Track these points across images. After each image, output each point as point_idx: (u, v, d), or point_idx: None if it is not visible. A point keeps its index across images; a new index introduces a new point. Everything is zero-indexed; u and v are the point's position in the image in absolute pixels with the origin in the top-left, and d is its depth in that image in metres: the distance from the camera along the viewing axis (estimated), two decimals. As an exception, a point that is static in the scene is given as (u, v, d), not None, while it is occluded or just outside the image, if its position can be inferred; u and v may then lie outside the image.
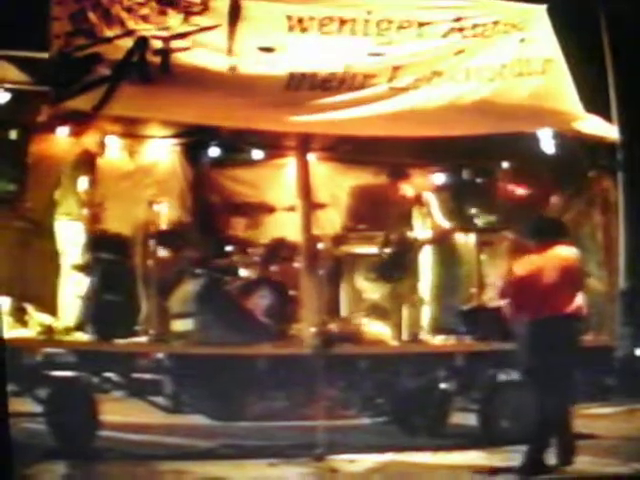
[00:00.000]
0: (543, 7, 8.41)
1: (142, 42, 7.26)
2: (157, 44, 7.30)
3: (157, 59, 7.30)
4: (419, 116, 7.93)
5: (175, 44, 7.34)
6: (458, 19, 8.06)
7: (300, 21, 7.71)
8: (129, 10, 7.29)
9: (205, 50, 7.44)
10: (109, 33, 7.22)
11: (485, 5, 8.33)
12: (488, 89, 8.10)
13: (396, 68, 7.89)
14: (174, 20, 7.40)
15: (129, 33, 7.26)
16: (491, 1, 8.44)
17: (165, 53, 7.30)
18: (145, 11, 7.33)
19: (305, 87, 7.67)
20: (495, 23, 8.18)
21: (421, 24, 7.99)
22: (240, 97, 7.50)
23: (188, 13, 7.46)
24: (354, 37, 7.85)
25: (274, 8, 7.70)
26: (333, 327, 8.31)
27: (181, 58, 7.35)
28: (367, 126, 7.88)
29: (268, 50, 7.59)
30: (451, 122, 8.00)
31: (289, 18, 7.69)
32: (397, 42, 7.93)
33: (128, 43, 7.26)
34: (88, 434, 7.54)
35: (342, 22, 7.81)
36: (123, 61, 7.21)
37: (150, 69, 7.27)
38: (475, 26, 8.11)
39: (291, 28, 7.68)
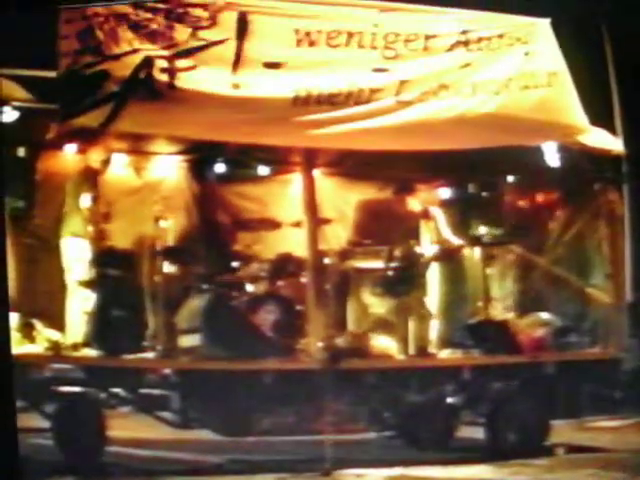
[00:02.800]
0: (547, 20, 8.45)
1: (149, 60, 7.32)
2: (164, 63, 7.35)
3: (164, 76, 7.35)
4: (426, 130, 7.96)
5: (182, 63, 7.39)
6: (464, 32, 8.11)
7: (308, 34, 7.74)
8: (136, 28, 7.35)
9: (212, 66, 7.48)
10: (117, 50, 7.28)
11: (490, 18, 8.37)
12: (494, 102, 8.13)
13: (403, 82, 7.92)
14: (181, 35, 7.45)
15: (136, 50, 7.32)
16: (495, 15, 8.48)
17: (172, 71, 7.36)
18: (152, 27, 7.39)
19: (312, 102, 7.71)
20: (500, 36, 8.22)
21: (428, 37, 8.04)
22: (247, 113, 7.54)
23: (196, 27, 7.51)
24: (361, 50, 7.88)
25: (282, 22, 7.74)
26: (340, 342, 8.31)
27: (188, 76, 7.39)
28: (374, 140, 7.91)
29: (274, 66, 7.63)
30: (457, 135, 8.02)
31: (297, 32, 7.73)
32: (404, 56, 7.97)
33: (136, 60, 7.31)
34: (96, 450, 7.54)
35: (350, 35, 7.85)
36: (130, 78, 7.26)
37: (157, 86, 7.32)
38: (481, 39, 8.15)
39: (299, 42, 7.72)
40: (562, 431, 8.80)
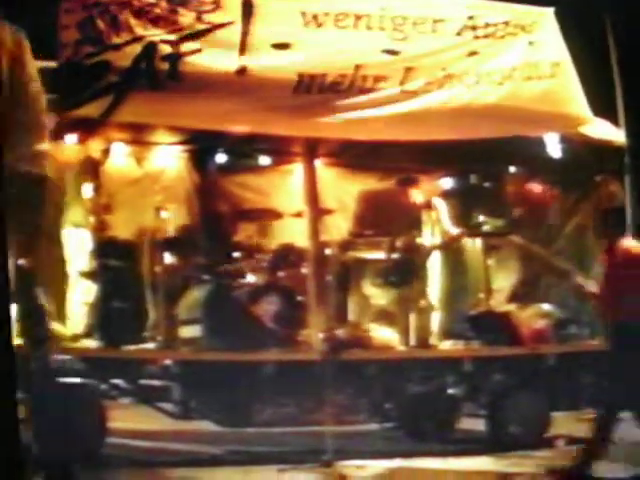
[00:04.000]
0: (550, 10, 8.42)
1: (151, 47, 7.27)
2: (167, 48, 7.30)
3: (166, 65, 7.30)
4: (428, 120, 7.93)
5: (186, 46, 7.34)
6: (471, 17, 8.07)
7: (315, 17, 7.69)
8: (139, 14, 7.29)
9: (216, 51, 7.42)
10: (117, 40, 7.24)
11: (495, 6, 8.35)
12: (498, 92, 8.10)
13: (408, 70, 7.87)
14: (186, 19, 7.39)
15: (138, 39, 7.27)
16: (500, 3, 8.46)
17: (175, 57, 7.30)
18: (156, 12, 7.33)
19: (314, 90, 7.66)
20: (506, 23, 8.19)
21: (436, 21, 8.00)
22: (249, 101, 7.50)
23: (200, 12, 7.45)
24: (369, 32, 7.83)
25: (288, 4, 7.68)
26: (341, 333, 8.31)
27: (192, 61, 7.34)
28: (376, 130, 7.87)
29: (282, 47, 7.56)
30: (460, 126, 7.98)
31: (303, 14, 7.67)
32: (413, 38, 7.92)
33: (137, 49, 7.26)
34: (96, 441, 7.54)
35: (357, 17, 7.80)
36: (131, 68, 7.22)
37: (159, 75, 7.28)
38: (488, 25, 8.12)
39: (306, 24, 7.66)
40: (563, 422, 8.79)
